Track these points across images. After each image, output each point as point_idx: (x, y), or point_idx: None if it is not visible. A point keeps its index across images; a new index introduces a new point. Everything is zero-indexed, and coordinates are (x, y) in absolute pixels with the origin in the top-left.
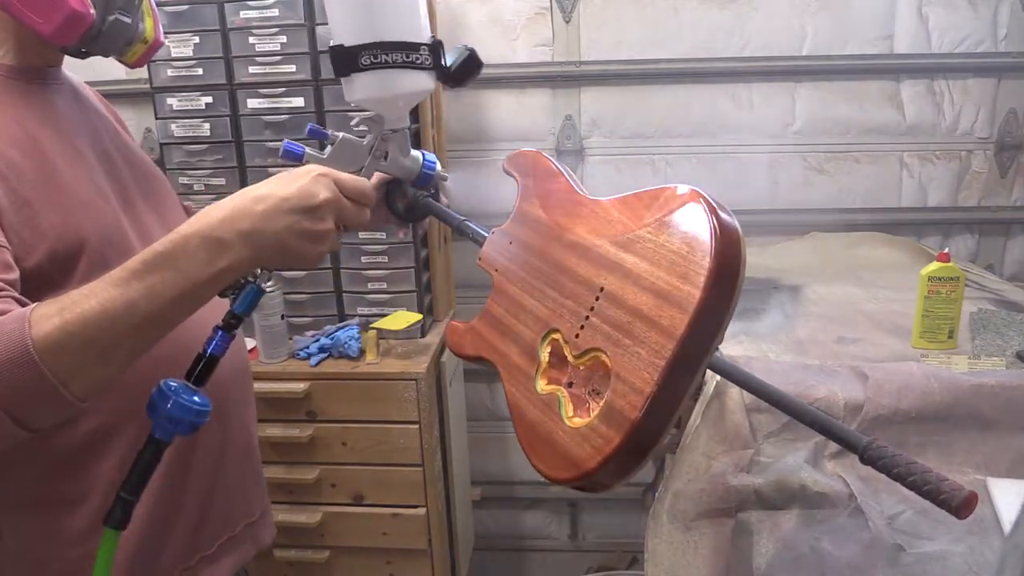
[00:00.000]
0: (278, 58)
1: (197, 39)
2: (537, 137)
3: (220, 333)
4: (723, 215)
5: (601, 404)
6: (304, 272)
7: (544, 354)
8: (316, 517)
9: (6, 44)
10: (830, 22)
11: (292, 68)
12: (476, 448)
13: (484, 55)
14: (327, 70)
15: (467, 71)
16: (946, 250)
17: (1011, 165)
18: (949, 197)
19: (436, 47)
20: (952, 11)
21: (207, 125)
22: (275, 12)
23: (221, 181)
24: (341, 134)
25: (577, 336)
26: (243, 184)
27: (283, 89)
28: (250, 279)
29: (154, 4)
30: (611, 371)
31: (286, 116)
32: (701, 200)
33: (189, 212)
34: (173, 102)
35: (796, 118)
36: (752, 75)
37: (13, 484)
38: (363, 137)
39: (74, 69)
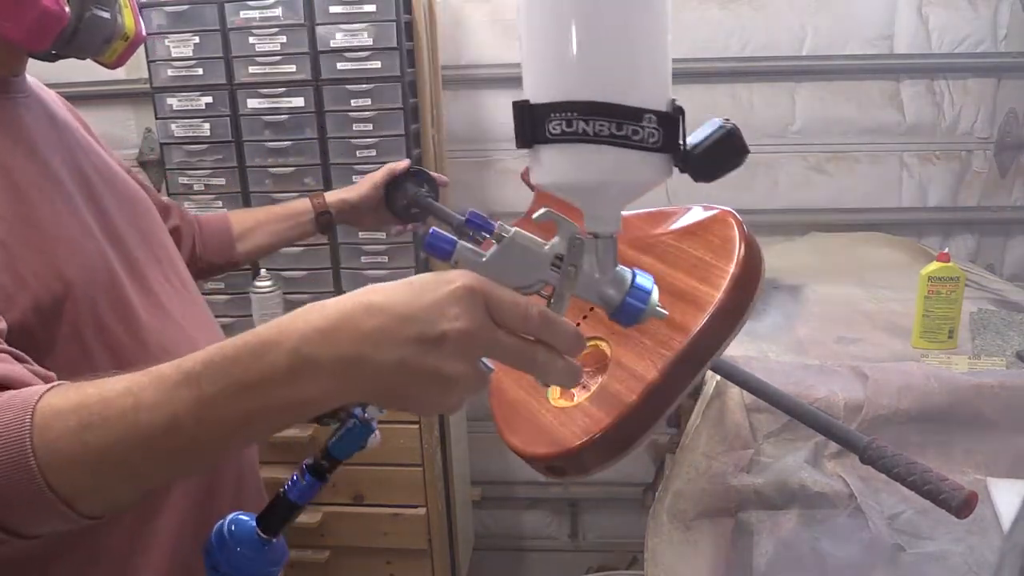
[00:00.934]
0: (278, 58)
1: (197, 39)
2: None
3: (308, 479)
4: (750, 233)
5: (595, 388)
6: (304, 272)
7: None
8: (316, 517)
9: None
10: (830, 22)
11: (292, 68)
12: (476, 448)
13: (484, 55)
14: (327, 70)
15: (718, 160)
16: (946, 250)
17: (1011, 165)
18: (949, 197)
19: (672, 119)
20: (952, 11)
21: (207, 125)
22: (275, 12)
23: (221, 181)
24: (514, 230)
25: (578, 325)
26: (243, 184)
27: (283, 89)
28: (355, 410)
29: None
30: (610, 359)
31: (286, 116)
32: (732, 216)
33: (181, 216)
34: (173, 102)
35: (796, 118)
36: (752, 75)
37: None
38: (546, 240)
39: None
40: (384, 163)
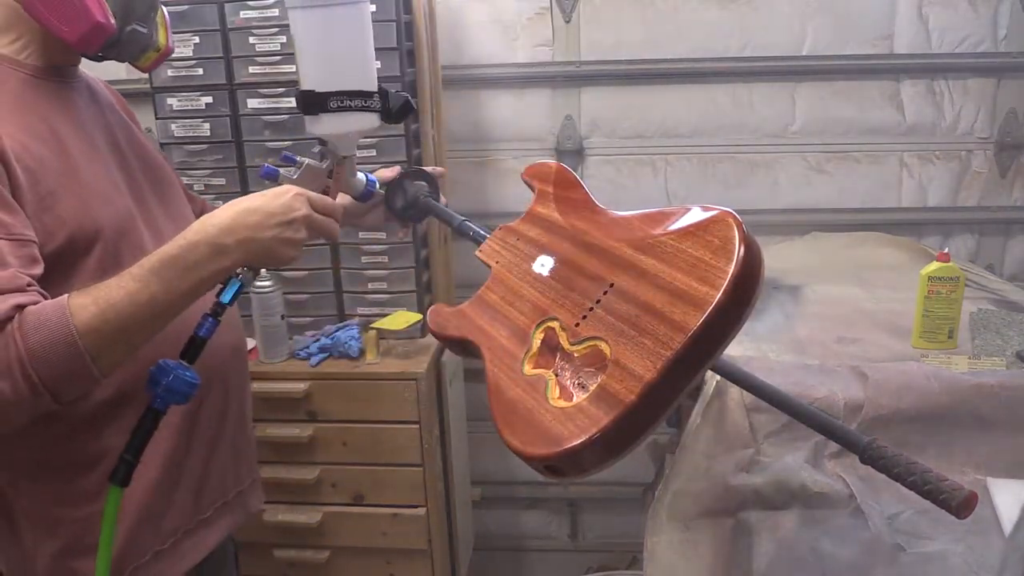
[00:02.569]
0: (278, 58)
1: (197, 39)
2: (537, 137)
3: (209, 319)
4: (750, 234)
5: (593, 388)
6: (304, 272)
7: (536, 340)
8: (316, 517)
9: (32, 46)
10: (830, 22)
11: (292, 68)
12: (476, 448)
13: (484, 55)
14: None
15: (404, 112)
16: (946, 250)
17: (1011, 165)
18: (949, 197)
19: (384, 94)
20: (952, 11)
21: (207, 125)
22: (275, 12)
23: (221, 181)
24: (306, 160)
25: (577, 325)
26: (243, 184)
27: (283, 89)
28: (234, 275)
29: (167, 15)
30: (609, 359)
31: (286, 116)
32: (731, 217)
33: (203, 208)
34: (173, 102)
35: (796, 118)
36: (752, 75)
37: (31, 449)
38: (322, 162)
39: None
40: (384, 163)
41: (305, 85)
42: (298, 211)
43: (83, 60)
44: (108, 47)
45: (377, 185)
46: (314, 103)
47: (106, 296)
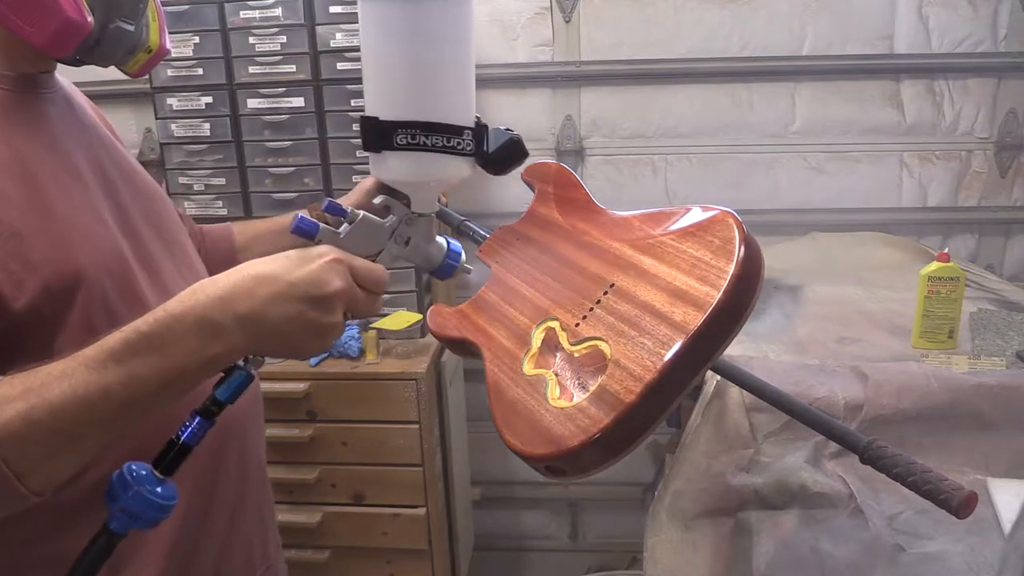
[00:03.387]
0: (278, 58)
1: (197, 39)
2: (537, 137)
3: (198, 419)
4: (750, 234)
5: (593, 388)
6: None
7: (536, 340)
8: (316, 517)
9: None
10: (830, 22)
11: (292, 68)
12: (476, 448)
13: (484, 55)
14: (327, 70)
15: (508, 160)
16: (946, 250)
17: (1011, 165)
18: (949, 197)
19: (480, 132)
20: (952, 11)
21: (207, 125)
22: (275, 12)
23: (221, 181)
24: (361, 213)
25: (578, 325)
26: (243, 184)
27: (283, 89)
28: (239, 363)
29: (160, 7)
30: (609, 359)
31: (286, 116)
32: (731, 217)
33: (191, 228)
34: (173, 102)
35: (796, 118)
36: (752, 75)
37: (10, 546)
38: (385, 217)
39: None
40: None
41: (368, 110)
42: (331, 284)
43: (60, 65)
44: (87, 49)
45: (462, 258)
46: (376, 136)
47: (41, 388)
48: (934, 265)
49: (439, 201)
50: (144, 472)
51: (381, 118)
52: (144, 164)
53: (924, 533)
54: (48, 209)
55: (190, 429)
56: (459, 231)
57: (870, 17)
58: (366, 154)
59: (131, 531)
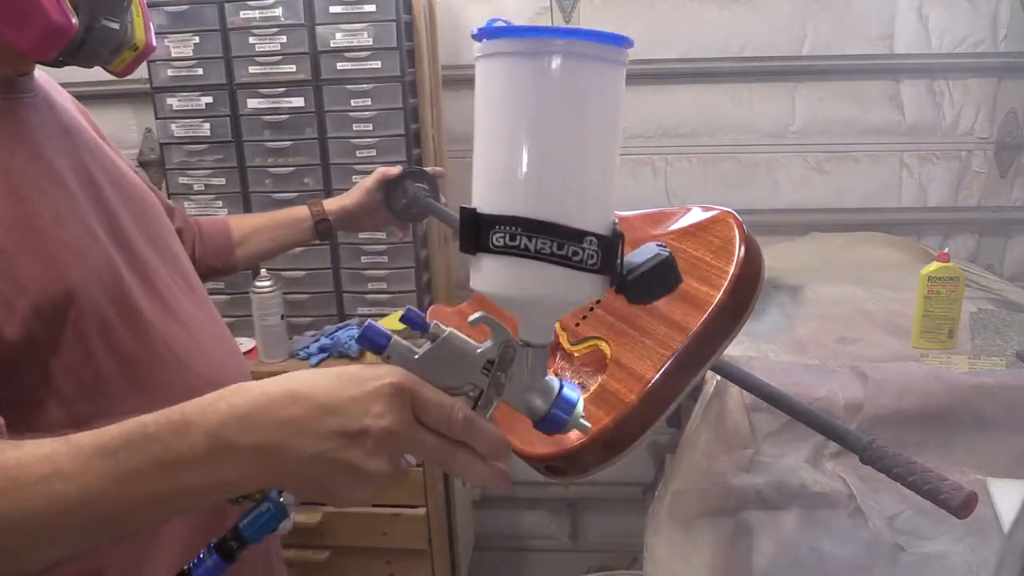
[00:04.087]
0: (278, 58)
1: (197, 39)
2: None
3: (215, 558)
4: (751, 234)
5: (594, 388)
6: (304, 272)
7: None
8: (316, 517)
9: None
10: (830, 22)
11: (292, 68)
12: None
13: None
14: (327, 70)
15: (652, 287)
16: (946, 250)
17: (1011, 165)
18: (949, 197)
19: (611, 244)
20: (952, 11)
21: (207, 125)
22: (275, 12)
23: (221, 181)
24: (448, 330)
25: (577, 325)
26: (243, 184)
27: (283, 89)
28: (271, 494)
29: (144, 3)
30: (609, 359)
31: (286, 116)
32: (732, 217)
33: (184, 220)
34: (173, 102)
35: (796, 118)
36: (752, 75)
37: None
38: (480, 343)
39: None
40: (384, 163)
41: (474, 199)
42: (380, 420)
43: (38, 66)
44: (71, 51)
45: (577, 410)
46: (473, 233)
47: (14, 469)
48: (934, 265)
49: (439, 201)
50: None
51: (480, 211)
52: (144, 164)
53: (924, 533)
54: (33, 224)
55: (204, 567)
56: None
57: (870, 17)
58: (366, 154)
59: None
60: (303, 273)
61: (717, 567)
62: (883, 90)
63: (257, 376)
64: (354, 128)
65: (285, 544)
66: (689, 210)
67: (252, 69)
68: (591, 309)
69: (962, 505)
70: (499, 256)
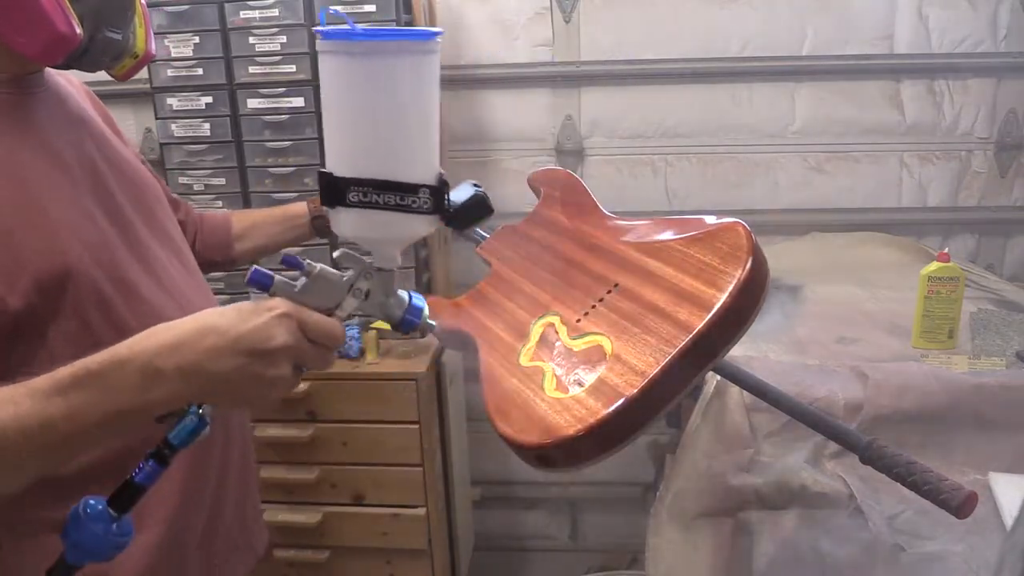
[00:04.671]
0: (278, 58)
1: (197, 39)
2: (537, 137)
3: (151, 463)
4: (758, 244)
5: (592, 381)
6: None
7: (535, 334)
8: (316, 517)
9: None
10: (830, 22)
11: (292, 68)
12: (476, 448)
13: (484, 55)
14: None
15: (472, 217)
16: (946, 250)
17: (1011, 165)
18: (949, 197)
19: (439, 190)
20: (952, 11)
21: (207, 125)
22: (275, 12)
23: (221, 181)
24: (319, 266)
25: (579, 321)
26: (243, 184)
27: (283, 89)
28: (192, 409)
29: (147, 12)
30: (610, 355)
31: (286, 116)
32: (741, 226)
33: (187, 212)
34: (173, 102)
35: (796, 118)
36: (752, 75)
37: (10, 507)
38: (344, 271)
39: None
40: None
41: (327, 164)
42: (276, 339)
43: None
44: (75, 57)
45: (424, 313)
46: (331, 192)
47: None
48: (934, 265)
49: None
50: (100, 508)
51: (335, 174)
52: None
53: (924, 533)
54: (37, 207)
55: (144, 472)
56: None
57: (870, 17)
58: None
59: (85, 563)
60: None
61: (717, 567)
62: (883, 90)
63: None
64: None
65: (285, 544)
66: (698, 218)
67: (252, 69)
68: (593, 306)
69: (962, 505)
70: (355, 209)
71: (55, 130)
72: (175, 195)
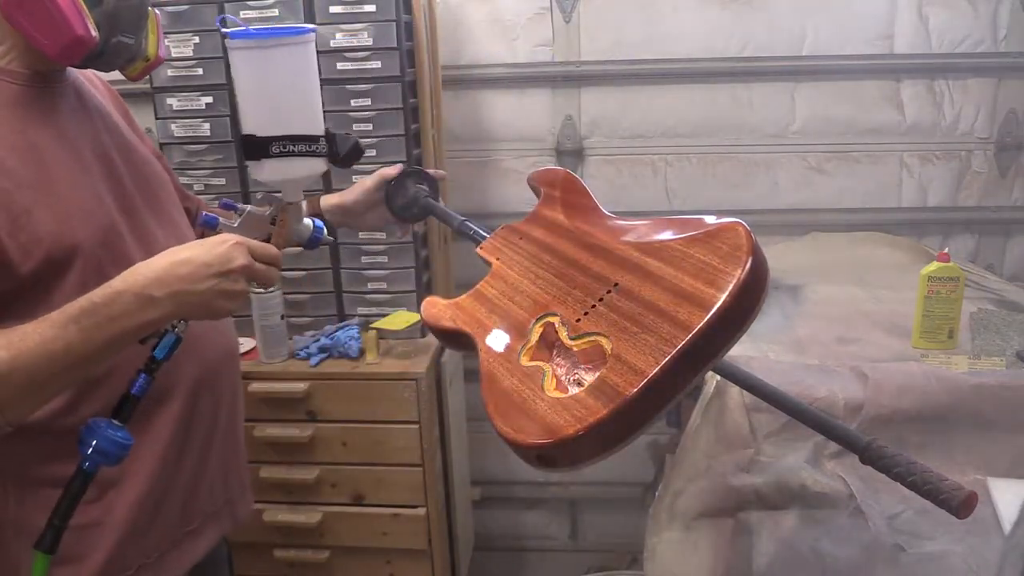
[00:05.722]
0: None
1: (197, 39)
2: (537, 137)
3: (142, 376)
4: (758, 245)
5: (592, 380)
6: (304, 272)
7: (535, 334)
8: (316, 517)
9: (13, 51)
10: (830, 22)
11: None
12: (476, 448)
13: (484, 55)
14: (327, 70)
15: (353, 156)
16: (946, 250)
17: (1011, 165)
18: (949, 197)
19: (331, 138)
20: (952, 11)
21: (207, 125)
22: (275, 12)
23: (221, 181)
24: (248, 207)
25: (579, 320)
26: (243, 184)
27: None
28: (169, 328)
29: (159, 19)
30: (610, 354)
31: None
32: (741, 226)
33: (199, 207)
34: (173, 102)
35: (796, 118)
36: (752, 75)
37: (15, 462)
38: (265, 208)
39: None
40: (384, 163)
41: (246, 129)
42: (235, 261)
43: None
44: (91, 59)
45: (325, 232)
46: (256, 149)
47: (20, 341)
48: (934, 265)
49: (438, 199)
50: (104, 422)
51: (258, 135)
52: None
53: (924, 533)
54: (54, 191)
55: (137, 384)
56: (459, 231)
57: (870, 17)
58: (366, 154)
59: (101, 468)
60: (303, 273)
61: (717, 567)
62: (883, 90)
63: (256, 376)
64: (354, 128)
65: (285, 544)
66: (698, 219)
67: None
68: (593, 306)
69: (962, 505)
70: (276, 159)
71: (74, 122)
72: (187, 191)
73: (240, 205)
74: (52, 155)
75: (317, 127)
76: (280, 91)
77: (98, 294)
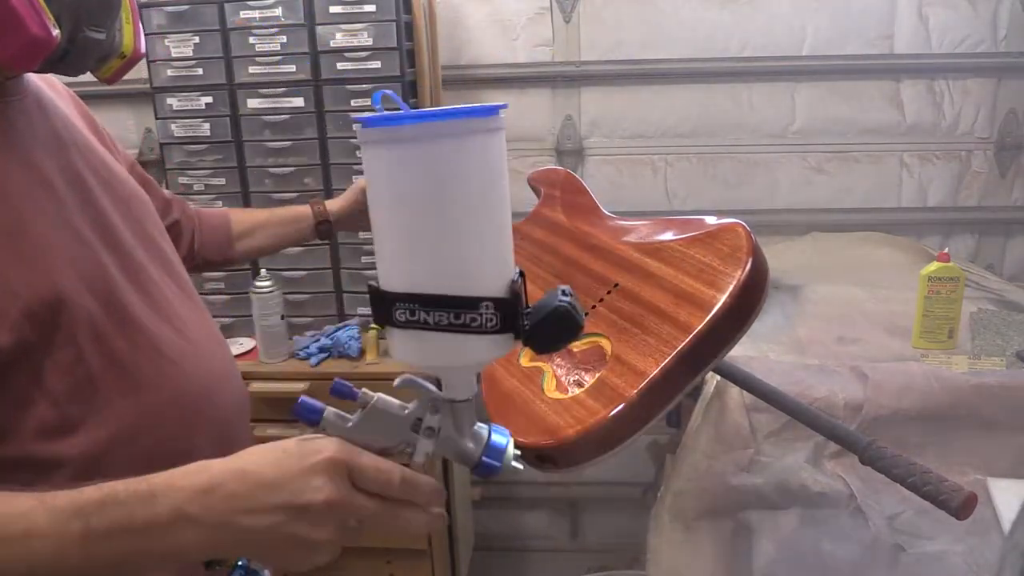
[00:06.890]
0: (278, 58)
1: (197, 39)
2: (537, 137)
3: None
4: (759, 245)
5: (592, 382)
6: (304, 272)
7: None
8: None
9: None
10: (830, 22)
11: (292, 68)
12: None
13: (484, 55)
14: (327, 70)
15: (553, 338)
16: (946, 250)
17: (1011, 165)
18: (949, 197)
19: (510, 303)
20: (952, 11)
21: (207, 125)
22: (275, 12)
23: (221, 181)
24: (376, 396)
25: None
26: (243, 184)
27: (283, 89)
28: (239, 563)
29: (135, 7)
30: (610, 356)
31: (286, 116)
32: (741, 227)
33: (183, 209)
34: (173, 102)
35: (796, 118)
36: (752, 75)
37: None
38: (405, 405)
39: None
40: None
41: (379, 274)
42: (319, 494)
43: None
44: (52, 62)
45: (508, 453)
46: (381, 309)
47: None
48: (934, 265)
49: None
50: None
51: (383, 288)
52: (144, 164)
53: (924, 533)
54: (22, 230)
55: None
56: None
57: (870, 17)
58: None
59: None
60: (303, 273)
61: (717, 567)
62: (883, 90)
63: (256, 376)
64: (354, 128)
65: None
66: (698, 219)
67: (252, 69)
68: (593, 307)
69: (962, 506)
70: (405, 329)
71: (37, 142)
72: (166, 193)
73: (364, 392)
74: (15, 187)
75: (485, 284)
76: (421, 218)
77: (124, 487)
